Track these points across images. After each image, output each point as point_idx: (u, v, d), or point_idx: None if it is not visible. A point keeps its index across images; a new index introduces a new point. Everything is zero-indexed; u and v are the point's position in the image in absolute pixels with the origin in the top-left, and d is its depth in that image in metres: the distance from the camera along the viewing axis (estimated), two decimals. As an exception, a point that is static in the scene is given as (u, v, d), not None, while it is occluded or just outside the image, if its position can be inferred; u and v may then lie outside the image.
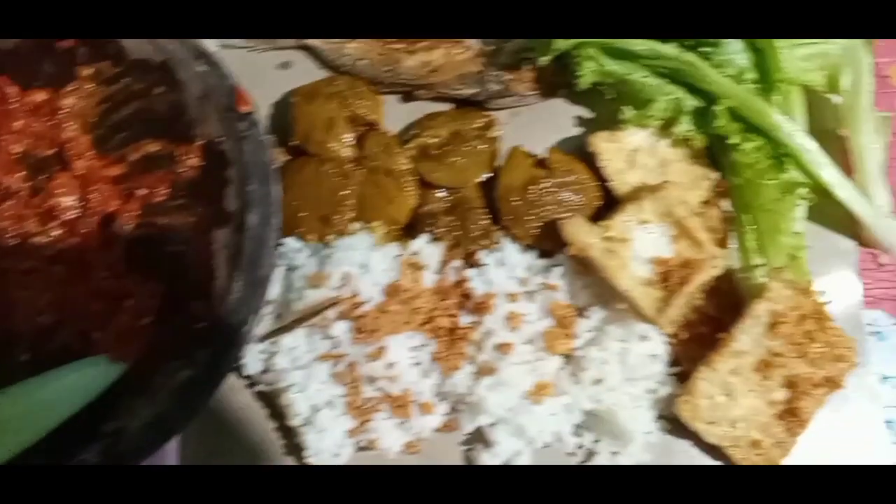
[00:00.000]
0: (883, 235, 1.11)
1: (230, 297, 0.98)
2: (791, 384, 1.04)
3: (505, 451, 1.06)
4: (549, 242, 1.09)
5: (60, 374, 0.96)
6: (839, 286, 1.13)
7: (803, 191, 1.08)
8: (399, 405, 1.05)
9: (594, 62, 1.07)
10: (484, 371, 1.04)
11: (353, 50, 1.16)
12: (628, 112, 1.10)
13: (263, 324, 1.08)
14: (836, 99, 1.14)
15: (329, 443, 1.04)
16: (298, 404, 1.05)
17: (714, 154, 1.13)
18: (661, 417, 1.08)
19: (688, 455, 1.08)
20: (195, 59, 1.07)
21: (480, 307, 1.06)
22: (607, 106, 1.14)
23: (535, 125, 1.17)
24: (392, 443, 1.06)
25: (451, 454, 1.08)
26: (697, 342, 1.08)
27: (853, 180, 1.11)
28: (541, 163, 1.13)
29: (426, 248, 1.10)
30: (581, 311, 1.08)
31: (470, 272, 1.08)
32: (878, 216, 1.10)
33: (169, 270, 1.04)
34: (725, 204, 1.13)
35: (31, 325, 1.02)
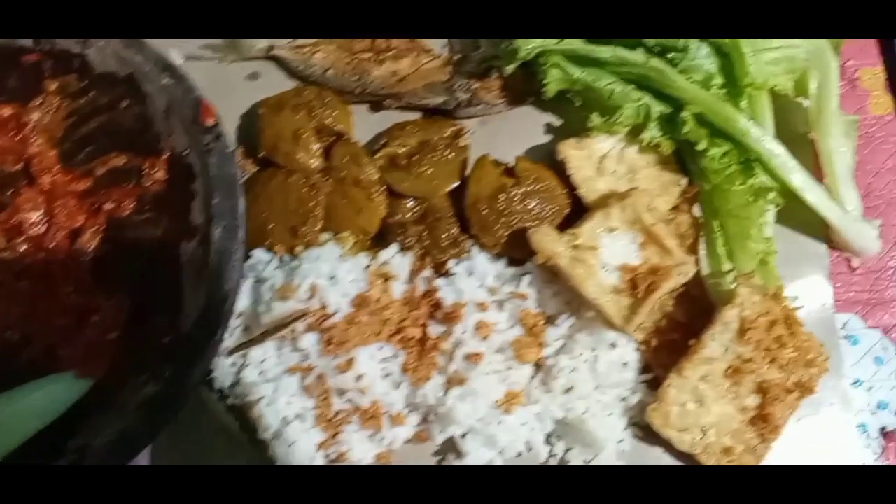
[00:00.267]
0: (854, 239, 1.11)
1: (196, 311, 0.98)
2: (762, 390, 1.04)
3: (476, 461, 1.05)
4: (518, 251, 1.09)
5: (27, 391, 0.95)
6: (811, 290, 1.13)
7: (772, 195, 1.08)
8: (369, 417, 1.04)
9: (560, 70, 1.07)
10: (454, 381, 1.04)
11: (321, 60, 1.16)
12: (596, 119, 1.09)
13: (232, 337, 1.07)
14: (805, 102, 1.14)
15: (299, 455, 1.04)
16: (268, 417, 1.04)
17: (683, 159, 1.13)
18: (632, 425, 1.07)
19: (660, 462, 1.07)
20: (160, 72, 1.07)
21: (450, 317, 1.06)
22: (576, 113, 1.14)
23: (503, 133, 1.17)
24: (363, 454, 1.05)
25: (422, 465, 1.08)
26: (668, 348, 1.08)
27: (823, 184, 1.11)
28: (509, 171, 1.12)
29: (395, 258, 1.10)
30: (551, 320, 1.08)
31: (439, 282, 1.08)
32: (849, 220, 1.10)
33: (135, 285, 1.03)
34: (695, 209, 1.12)
35: (-3, 341, 1.02)
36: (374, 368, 1.05)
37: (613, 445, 1.06)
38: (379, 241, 1.13)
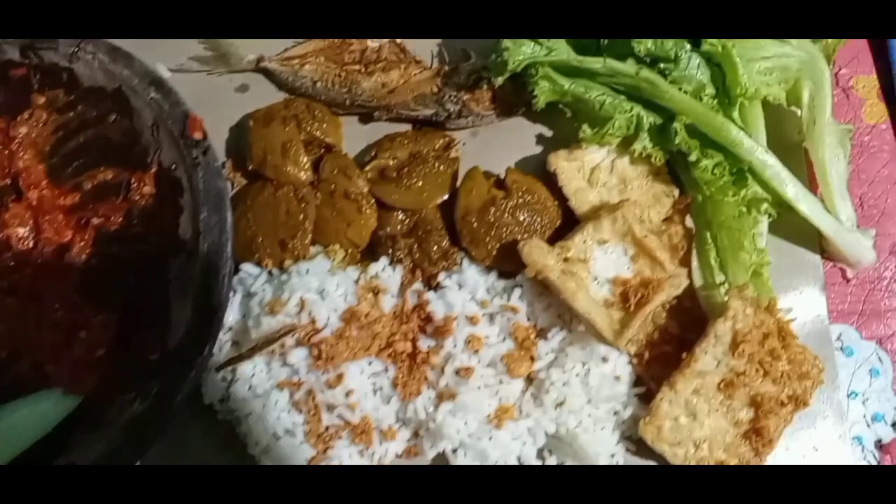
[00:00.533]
0: (848, 249, 1.10)
1: (183, 327, 0.97)
2: (756, 403, 1.02)
3: (468, 476, 1.04)
4: (509, 263, 1.08)
5: (14, 408, 0.94)
6: (805, 301, 1.12)
7: (765, 206, 1.07)
8: (360, 432, 1.03)
9: (549, 82, 1.06)
10: (445, 396, 1.03)
11: (310, 72, 1.15)
12: (587, 130, 1.08)
13: (222, 351, 1.07)
14: (798, 111, 1.13)
15: (289, 471, 1.03)
16: (258, 433, 1.03)
17: (675, 170, 1.12)
18: (625, 439, 1.07)
19: (653, 476, 1.06)
20: (148, 87, 1.07)
21: (440, 331, 1.05)
22: (567, 123, 1.13)
23: (494, 144, 1.16)
24: (353, 470, 1.04)
25: (413, 480, 1.07)
26: (661, 361, 1.07)
27: (817, 194, 1.10)
28: (499, 183, 1.12)
29: (385, 272, 1.09)
30: (542, 333, 1.07)
31: (430, 295, 1.07)
32: (843, 230, 1.09)
33: (123, 301, 1.03)
34: (688, 220, 1.12)
35: (-16, 358, 1.01)
36: (364, 383, 1.04)
37: (606, 460, 1.05)
38: (369, 253, 1.12)
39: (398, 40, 1.16)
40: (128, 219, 1.06)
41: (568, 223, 1.11)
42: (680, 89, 1.06)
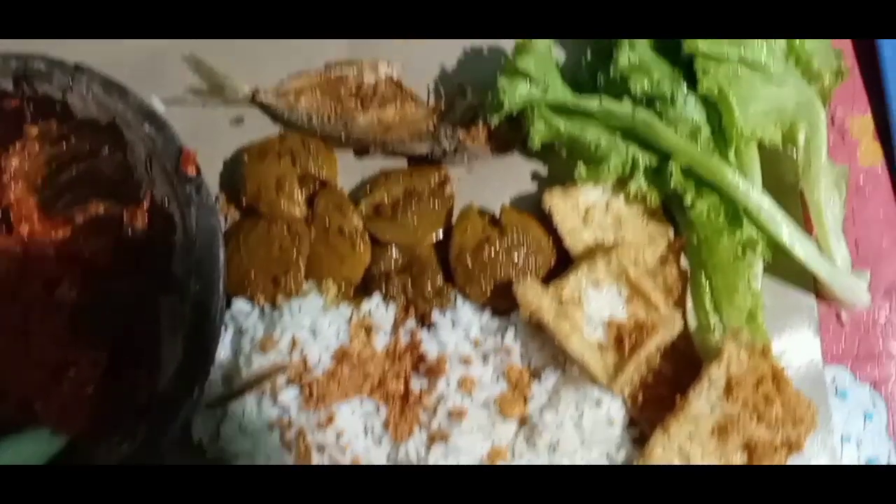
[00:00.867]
0: (843, 293, 1.09)
1: (173, 368, 0.96)
2: (749, 448, 1.02)
3: (459, 518, 1.03)
4: (503, 302, 1.08)
5: (0, 447, 0.93)
6: (799, 343, 1.11)
7: (761, 248, 1.07)
8: (350, 472, 1.02)
9: (545, 122, 1.06)
10: (437, 438, 1.02)
11: (306, 106, 1.14)
12: (582, 170, 1.08)
13: (212, 388, 1.05)
14: (794, 151, 1.13)
15: (279, 512, 1.02)
16: (247, 472, 1.02)
17: (670, 210, 1.12)
18: (618, 482, 1.06)
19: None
20: (142, 120, 1.06)
21: (433, 371, 1.04)
22: (562, 161, 1.12)
23: (490, 181, 1.15)
24: (344, 511, 1.03)
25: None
26: (655, 403, 1.06)
27: (812, 236, 1.10)
28: (494, 221, 1.11)
29: (379, 309, 1.08)
30: (536, 374, 1.06)
31: (423, 334, 1.07)
32: (838, 274, 1.08)
33: (112, 338, 1.02)
34: (683, 261, 1.11)
35: (-30, 396, 1.00)
36: (356, 424, 1.03)
37: (598, 503, 1.04)
38: (362, 290, 1.11)
39: (395, 77, 1.15)
40: (119, 254, 1.05)
41: (563, 262, 1.11)
42: (676, 130, 1.06)
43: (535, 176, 1.16)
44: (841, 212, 1.10)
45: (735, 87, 1.05)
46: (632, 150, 1.08)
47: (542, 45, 1.07)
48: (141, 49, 1.18)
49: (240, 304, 1.09)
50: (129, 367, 0.99)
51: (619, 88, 1.07)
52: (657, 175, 1.08)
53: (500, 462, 1.03)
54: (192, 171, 1.03)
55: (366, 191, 1.13)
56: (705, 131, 1.07)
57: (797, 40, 1.09)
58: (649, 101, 1.07)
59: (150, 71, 1.17)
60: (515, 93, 1.05)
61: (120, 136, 1.07)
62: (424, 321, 1.08)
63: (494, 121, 1.07)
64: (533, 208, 1.13)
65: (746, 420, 1.02)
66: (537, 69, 1.06)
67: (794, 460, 1.04)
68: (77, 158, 1.09)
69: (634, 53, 1.06)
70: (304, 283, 1.09)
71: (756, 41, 1.05)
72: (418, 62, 1.18)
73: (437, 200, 1.12)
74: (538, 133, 1.06)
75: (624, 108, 1.06)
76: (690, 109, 1.07)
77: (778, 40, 1.07)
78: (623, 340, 1.02)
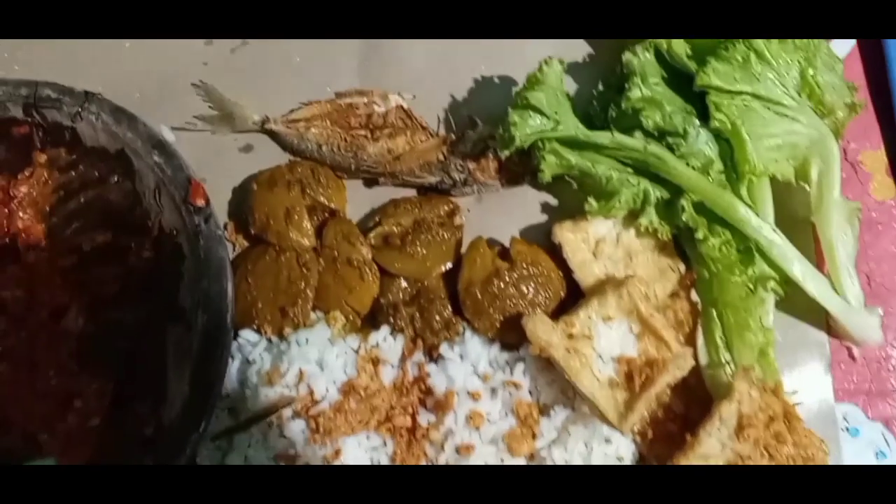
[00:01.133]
0: (855, 330, 1.08)
1: (180, 400, 0.95)
2: (760, 487, 1.01)
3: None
4: (512, 335, 1.07)
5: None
6: (810, 380, 1.10)
7: (772, 284, 1.06)
8: (356, 507, 1.01)
9: (556, 156, 1.05)
10: (443, 472, 1.01)
11: (316, 135, 1.14)
12: (593, 203, 1.07)
13: (218, 419, 1.05)
14: (807, 186, 1.12)
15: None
16: (252, 505, 1.01)
17: (681, 244, 1.11)
18: (627, 519, 1.05)
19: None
20: (151, 149, 1.06)
21: (441, 405, 1.03)
22: (572, 193, 1.12)
23: (499, 212, 1.15)
24: (349, 546, 1.02)
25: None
26: (665, 440, 1.05)
27: (824, 272, 1.09)
28: (504, 253, 1.10)
29: (386, 341, 1.07)
30: (545, 409, 1.05)
31: (431, 367, 1.06)
32: (850, 311, 1.07)
33: (119, 369, 1.01)
34: (694, 295, 1.10)
35: (-26, 428, 0.99)
36: (362, 458, 1.02)
37: (607, 541, 1.03)
38: (370, 321, 1.11)
39: (405, 106, 1.15)
40: (126, 283, 1.04)
41: (572, 295, 1.10)
42: (688, 164, 1.06)
43: (545, 207, 1.16)
44: (854, 248, 1.09)
45: (747, 121, 1.05)
46: (643, 184, 1.07)
47: (553, 78, 1.07)
48: (151, 76, 1.18)
49: (247, 335, 1.08)
50: (136, 398, 0.99)
51: (630, 122, 1.07)
52: (668, 209, 1.08)
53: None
54: (200, 202, 1.02)
55: (375, 221, 1.12)
56: (717, 166, 1.06)
57: (810, 74, 1.08)
58: (661, 136, 1.06)
59: (159, 98, 1.17)
60: (526, 127, 1.04)
61: (129, 165, 1.07)
62: (432, 354, 1.08)
63: (505, 154, 1.07)
64: (543, 240, 1.12)
65: (757, 459, 1.00)
66: (549, 103, 1.05)
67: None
68: (85, 186, 1.09)
69: (647, 87, 1.06)
70: (311, 314, 1.09)
71: (769, 76, 1.04)
72: (429, 92, 1.17)
73: (446, 231, 1.11)
74: (549, 167, 1.05)
75: (636, 142, 1.05)
76: (702, 144, 1.06)
77: (791, 73, 1.07)
78: (633, 377, 1.01)
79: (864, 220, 1.15)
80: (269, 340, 1.08)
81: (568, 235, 1.09)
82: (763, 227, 1.05)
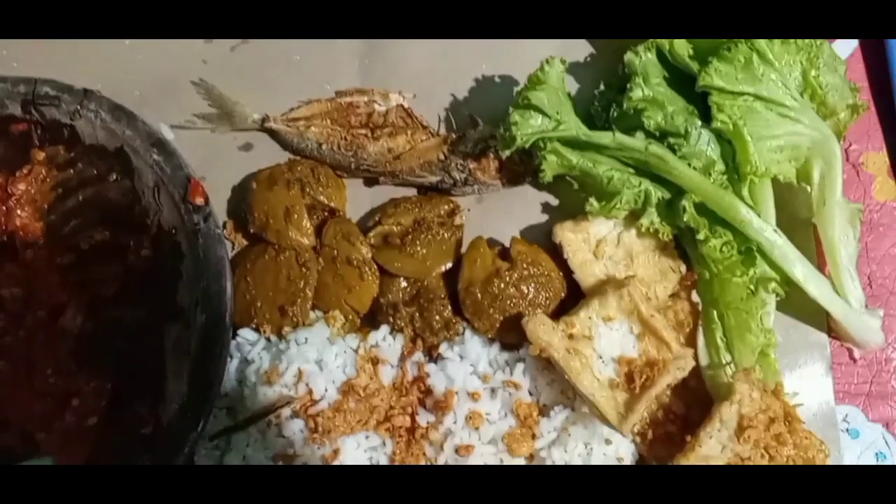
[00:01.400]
0: (856, 332, 1.08)
1: (178, 400, 0.95)
2: (760, 489, 1.01)
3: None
4: (512, 335, 1.06)
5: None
6: (811, 381, 1.10)
7: (773, 286, 1.06)
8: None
9: (557, 156, 1.05)
10: (443, 473, 1.01)
11: (316, 134, 1.13)
12: (594, 204, 1.07)
13: (216, 419, 1.04)
14: (808, 187, 1.12)
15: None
16: (251, 505, 1.01)
17: (682, 245, 1.11)
18: (626, 521, 1.04)
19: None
20: (150, 147, 1.05)
21: (440, 405, 1.03)
22: (573, 193, 1.12)
23: (499, 212, 1.15)
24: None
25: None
26: (665, 441, 1.05)
27: (825, 273, 1.08)
28: (504, 253, 1.10)
29: (386, 340, 1.07)
30: (544, 410, 1.05)
31: (430, 367, 1.05)
32: (852, 313, 1.07)
33: (117, 367, 1.00)
34: (694, 296, 1.10)
35: (-29, 426, 0.99)
36: (361, 458, 1.02)
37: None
38: (369, 321, 1.10)
39: (406, 105, 1.14)
40: (124, 282, 1.04)
41: (573, 295, 1.09)
42: (689, 165, 1.05)
43: (545, 207, 1.15)
44: (855, 250, 1.09)
45: (749, 122, 1.04)
46: (644, 185, 1.07)
47: (554, 77, 1.06)
48: (150, 74, 1.17)
49: (246, 334, 1.07)
50: (134, 397, 0.98)
51: (632, 122, 1.06)
52: (669, 209, 1.07)
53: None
54: (199, 201, 1.02)
55: (375, 220, 1.12)
56: (719, 167, 1.06)
57: (813, 75, 1.07)
58: (662, 136, 1.06)
59: (159, 96, 1.16)
60: (528, 127, 1.04)
61: (128, 163, 1.06)
62: (432, 354, 1.07)
63: (505, 154, 1.06)
64: (542, 238, 1.12)
65: (758, 460, 1.00)
66: (550, 103, 1.05)
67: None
68: (84, 184, 1.08)
69: (648, 87, 1.05)
70: (311, 313, 1.08)
71: (771, 77, 1.04)
72: (430, 91, 1.17)
73: (446, 231, 1.11)
74: (550, 167, 1.05)
75: (637, 142, 1.05)
76: (704, 144, 1.06)
77: (793, 74, 1.06)
78: (634, 378, 1.01)
79: (866, 222, 1.15)
80: (268, 339, 1.07)
81: (569, 235, 1.09)
82: (764, 228, 1.04)
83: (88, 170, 1.08)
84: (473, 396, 1.03)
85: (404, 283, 1.10)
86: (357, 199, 1.16)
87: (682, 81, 1.07)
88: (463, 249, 1.11)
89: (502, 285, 1.07)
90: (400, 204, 1.13)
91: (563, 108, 1.06)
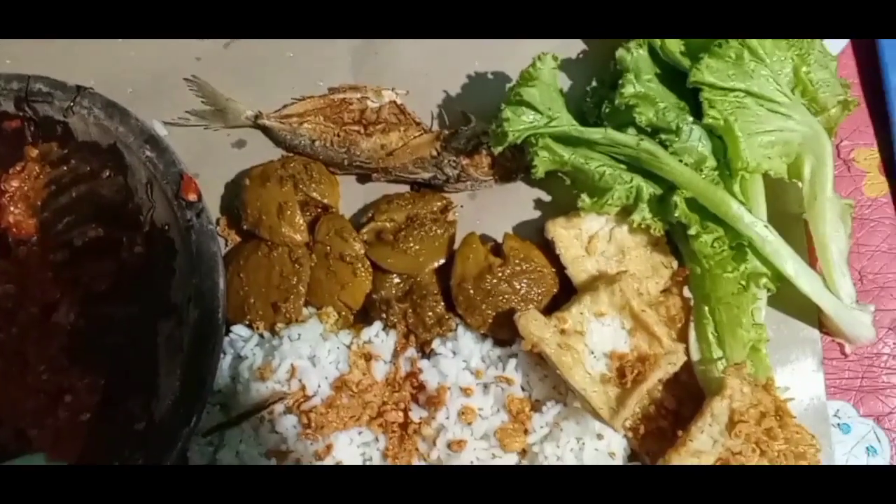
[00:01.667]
0: (847, 327, 1.08)
1: (171, 396, 0.95)
2: (751, 483, 1.01)
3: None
4: (505, 331, 1.07)
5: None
6: (802, 376, 1.11)
7: (765, 281, 1.06)
8: None
9: (549, 152, 1.05)
10: (435, 468, 1.01)
11: (309, 131, 1.14)
12: (586, 200, 1.07)
13: (209, 415, 1.05)
14: (799, 183, 1.12)
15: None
16: (244, 501, 1.01)
17: (674, 240, 1.11)
18: (618, 515, 1.05)
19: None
20: (143, 144, 1.06)
21: (433, 401, 1.03)
22: (565, 188, 1.12)
23: (492, 208, 1.15)
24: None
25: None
26: (657, 436, 1.05)
27: (817, 269, 1.09)
28: (496, 250, 1.10)
29: (379, 336, 1.07)
30: (537, 405, 1.05)
31: (423, 363, 1.06)
32: (842, 308, 1.07)
33: (110, 364, 1.01)
34: (686, 291, 1.10)
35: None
36: (354, 454, 1.02)
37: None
38: (362, 317, 1.11)
39: (399, 101, 1.15)
40: (117, 279, 1.04)
41: (565, 291, 1.10)
42: (681, 161, 1.05)
43: (538, 203, 1.16)
44: (846, 245, 1.10)
45: (741, 118, 1.04)
46: (636, 181, 1.07)
47: (546, 74, 1.06)
48: (143, 71, 1.17)
49: (239, 330, 1.08)
50: (127, 394, 0.98)
51: (624, 118, 1.06)
52: (661, 205, 1.08)
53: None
54: (192, 197, 1.02)
55: (368, 216, 1.12)
56: (710, 162, 1.06)
57: (804, 71, 1.08)
58: (654, 132, 1.06)
59: (152, 93, 1.17)
60: (519, 123, 1.04)
61: (121, 160, 1.06)
62: (425, 350, 1.08)
63: (497, 150, 1.07)
64: (535, 234, 1.12)
65: (749, 455, 1.00)
66: (542, 99, 1.05)
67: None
68: (77, 181, 1.08)
69: (640, 83, 1.06)
70: (304, 310, 1.09)
71: (763, 73, 1.04)
72: (422, 88, 1.17)
73: (439, 227, 1.11)
74: (542, 163, 1.05)
75: (629, 138, 1.05)
76: (695, 140, 1.06)
77: (784, 71, 1.07)
78: (625, 373, 1.01)
79: (857, 218, 1.16)
80: (261, 336, 1.08)
81: (561, 231, 1.09)
82: (756, 223, 1.05)
83: (81, 166, 1.08)
84: (466, 392, 1.03)
85: (397, 280, 1.10)
86: (350, 196, 1.16)
87: (674, 78, 1.08)
88: (456, 245, 1.12)
89: (495, 281, 1.07)
90: (393, 200, 1.13)
91: (555, 105, 1.06)
